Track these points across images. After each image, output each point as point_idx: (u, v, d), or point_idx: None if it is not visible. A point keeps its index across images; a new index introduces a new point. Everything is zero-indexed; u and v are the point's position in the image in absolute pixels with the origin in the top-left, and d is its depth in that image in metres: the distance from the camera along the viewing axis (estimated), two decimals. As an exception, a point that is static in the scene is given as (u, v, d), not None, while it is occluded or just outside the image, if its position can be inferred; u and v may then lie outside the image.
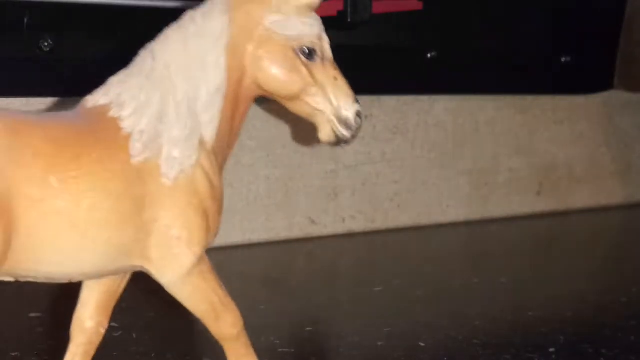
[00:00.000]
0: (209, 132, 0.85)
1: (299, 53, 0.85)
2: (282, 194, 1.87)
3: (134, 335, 1.24)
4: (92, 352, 0.90)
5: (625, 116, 2.35)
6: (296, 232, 1.89)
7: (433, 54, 1.90)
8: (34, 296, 1.36)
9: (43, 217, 0.78)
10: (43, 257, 0.80)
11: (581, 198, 2.27)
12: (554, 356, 1.16)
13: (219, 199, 0.87)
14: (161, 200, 0.82)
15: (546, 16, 2.06)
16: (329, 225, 1.93)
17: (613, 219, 2.26)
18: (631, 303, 1.44)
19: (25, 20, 1.44)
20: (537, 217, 2.18)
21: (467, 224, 2.09)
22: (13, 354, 1.15)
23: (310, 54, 0.86)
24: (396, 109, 2.01)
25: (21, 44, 1.45)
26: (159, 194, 0.82)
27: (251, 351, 0.90)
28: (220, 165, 0.88)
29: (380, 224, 1.99)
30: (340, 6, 1.61)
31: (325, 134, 0.88)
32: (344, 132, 0.87)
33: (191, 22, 0.85)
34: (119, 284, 0.89)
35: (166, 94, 0.83)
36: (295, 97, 0.87)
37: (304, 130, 1.89)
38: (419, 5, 1.76)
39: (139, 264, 0.84)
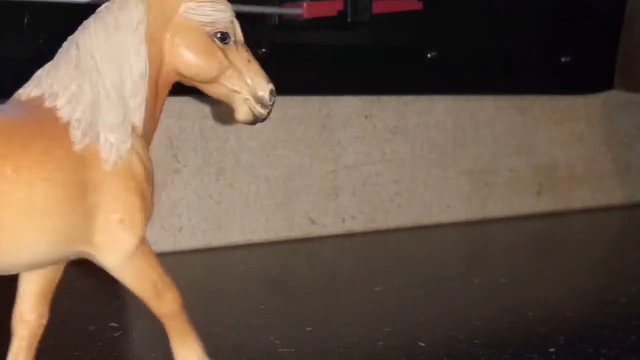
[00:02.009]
0: (138, 117, 0.88)
1: (214, 38, 0.89)
2: (282, 194, 1.88)
3: (134, 335, 1.24)
4: (36, 344, 0.91)
5: (625, 116, 2.35)
6: (296, 232, 1.89)
7: (433, 54, 1.90)
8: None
9: (4, 208, 0.80)
10: (1, 248, 0.81)
11: (581, 198, 2.27)
12: (554, 356, 1.16)
13: (152, 181, 0.89)
14: (102, 185, 0.84)
15: (546, 16, 2.06)
16: (329, 225, 1.93)
17: (613, 219, 2.26)
18: (631, 303, 1.44)
19: (25, 20, 1.44)
20: (537, 217, 2.18)
21: (467, 224, 2.09)
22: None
23: (224, 38, 0.89)
24: (396, 109, 2.01)
25: (21, 44, 1.45)
26: (100, 180, 0.84)
27: (190, 327, 0.92)
28: (147, 149, 0.90)
29: (380, 224, 1.99)
30: (340, 6, 1.61)
31: (242, 113, 0.92)
32: (261, 110, 0.91)
33: (108, 13, 0.88)
34: (56, 273, 0.91)
35: (95, 82, 0.86)
36: (212, 80, 0.90)
37: (304, 131, 1.89)
38: (419, 5, 1.76)
39: (83, 249, 0.85)
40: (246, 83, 0.90)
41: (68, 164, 0.83)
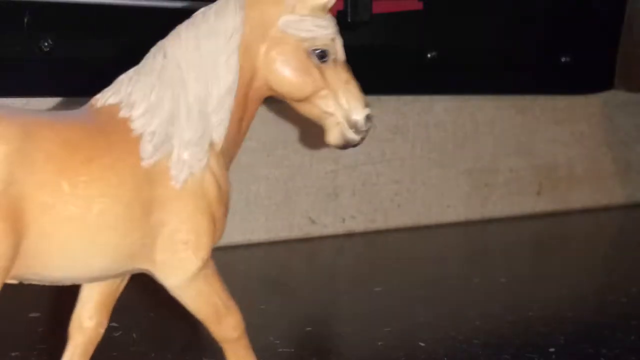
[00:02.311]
0: (219, 134, 0.84)
1: (312, 55, 0.85)
2: (282, 194, 1.87)
3: (134, 335, 1.24)
4: (91, 352, 0.90)
5: (625, 116, 2.35)
6: (296, 232, 1.89)
7: (433, 54, 1.90)
8: (34, 296, 1.36)
9: (54, 222, 0.77)
10: (52, 262, 0.79)
11: (581, 198, 2.27)
12: (554, 356, 1.16)
13: (225, 202, 0.86)
14: (169, 203, 0.81)
15: (546, 16, 2.06)
16: (329, 225, 1.93)
17: (613, 219, 2.26)
18: (631, 303, 1.44)
19: (25, 20, 1.44)
20: (537, 217, 2.18)
21: (467, 224, 2.09)
22: (13, 354, 1.15)
23: (322, 56, 0.85)
24: (396, 109, 2.01)
25: (21, 44, 1.45)
26: (167, 197, 0.81)
27: (251, 353, 0.90)
28: (227, 167, 0.87)
29: (380, 224, 1.99)
30: (340, 6, 1.61)
31: (333, 136, 0.87)
32: (353, 136, 0.87)
33: (204, 20, 0.84)
34: (119, 283, 0.89)
35: (177, 94, 0.82)
36: (305, 99, 0.86)
37: (304, 131, 1.89)
38: (419, 5, 1.76)
39: (144, 267, 0.83)
40: (341, 106, 0.86)
41: (133, 180, 0.79)
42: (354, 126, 0.86)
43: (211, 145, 0.83)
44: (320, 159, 1.91)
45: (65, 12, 1.47)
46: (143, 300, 1.30)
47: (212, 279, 0.86)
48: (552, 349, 1.18)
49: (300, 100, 0.86)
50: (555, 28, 2.07)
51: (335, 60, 0.86)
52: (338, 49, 0.87)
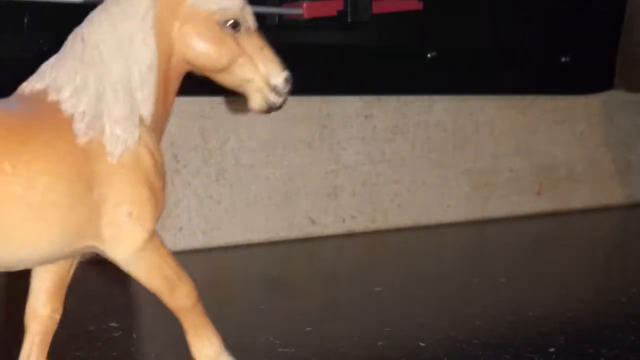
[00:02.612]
0: (146, 109, 0.86)
1: (224, 26, 0.87)
2: (282, 194, 1.88)
3: (134, 335, 1.24)
4: (49, 339, 0.91)
5: (625, 116, 2.35)
6: (296, 232, 1.89)
7: (433, 54, 1.90)
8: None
9: (0, 203, 0.79)
10: (2, 245, 0.80)
11: (581, 198, 2.27)
12: (554, 356, 1.15)
13: (162, 174, 0.88)
14: (109, 178, 0.83)
15: (546, 16, 2.06)
16: (329, 225, 1.93)
17: (613, 219, 2.26)
18: (631, 303, 1.44)
19: (25, 20, 1.44)
20: (537, 217, 2.18)
21: (467, 224, 2.09)
22: (14, 353, 1.15)
23: (235, 25, 0.88)
24: (396, 109, 2.01)
25: (21, 44, 1.45)
26: (106, 173, 0.83)
27: (207, 320, 0.91)
28: (158, 141, 0.89)
29: (380, 224, 1.99)
30: (340, 6, 1.61)
31: (256, 102, 0.90)
32: (275, 99, 0.89)
33: (114, 4, 0.87)
34: (68, 268, 0.90)
35: (101, 74, 0.85)
36: (224, 69, 0.88)
37: (304, 131, 1.89)
38: (419, 5, 1.76)
39: (92, 244, 0.84)
40: (259, 71, 0.88)
41: (71, 157, 0.81)
42: (274, 89, 0.89)
43: (141, 120, 0.86)
44: (320, 159, 1.91)
45: (66, 12, 1.47)
46: (143, 300, 1.30)
47: (160, 249, 0.87)
48: (552, 349, 1.18)
49: (219, 71, 0.89)
50: (555, 28, 2.07)
51: (248, 29, 0.89)
52: (249, 18, 0.89)
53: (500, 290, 1.54)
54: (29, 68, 1.47)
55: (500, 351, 1.17)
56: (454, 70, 1.94)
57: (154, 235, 0.86)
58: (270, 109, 0.90)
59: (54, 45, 1.41)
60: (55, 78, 0.85)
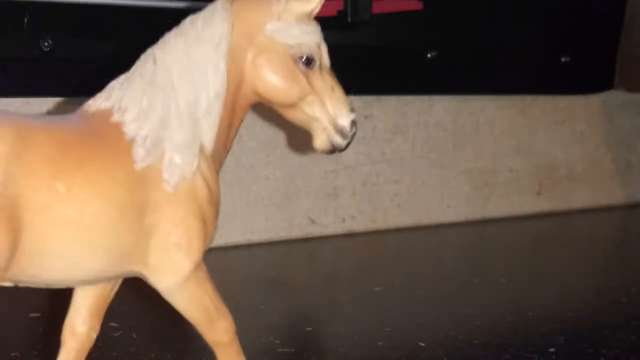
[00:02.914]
0: (208, 138, 0.85)
1: (298, 61, 0.86)
2: (282, 194, 1.88)
3: (134, 336, 1.24)
4: (84, 357, 0.90)
5: (625, 116, 2.35)
6: (296, 232, 1.89)
7: (433, 54, 1.90)
8: (34, 296, 1.36)
9: (50, 223, 0.78)
10: (47, 264, 0.79)
11: (581, 198, 2.27)
12: (554, 356, 1.16)
13: (216, 205, 0.86)
14: (162, 206, 0.82)
15: (546, 16, 2.06)
16: (329, 225, 1.93)
17: (613, 219, 2.26)
18: (631, 303, 1.44)
19: (25, 20, 1.44)
20: (537, 217, 2.18)
21: (467, 224, 2.09)
22: (13, 354, 1.15)
23: (309, 62, 0.86)
24: (396, 109, 2.01)
25: (21, 44, 1.45)
26: (160, 200, 0.82)
27: (242, 357, 0.90)
28: (217, 171, 0.88)
29: (380, 224, 1.99)
30: (340, 6, 1.61)
31: (320, 141, 0.89)
32: (340, 141, 0.88)
33: (192, 27, 0.85)
34: (112, 288, 0.89)
35: (168, 99, 0.83)
36: (292, 105, 0.87)
37: (304, 131, 1.89)
38: (419, 5, 1.76)
39: (137, 269, 0.84)
40: (327, 111, 0.87)
41: (126, 182, 0.80)
42: (340, 131, 0.88)
43: (201, 149, 0.85)
44: (320, 159, 1.91)
45: (65, 12, 1.47)
46: (143, 300, 1.30)
47: (204, 282, 0.86)
48: (552, 349, 1.18)
49: (287, 106, 0.87)
50: (555, 28, 2.07)
51: (320, 67, 0.88)
52: (323, 55, 0.88)
53: (500, 290, 1.54)
54: (29, 68, 1.47)
55: (500, 351, 1.17)
56: (454, 70, 1.94)
57: (199, 267, 0.85)
58: (333, 150, 0.89)
59: (55, 45, 1.41)
60: (122, 98, 0.84)
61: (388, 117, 1.99)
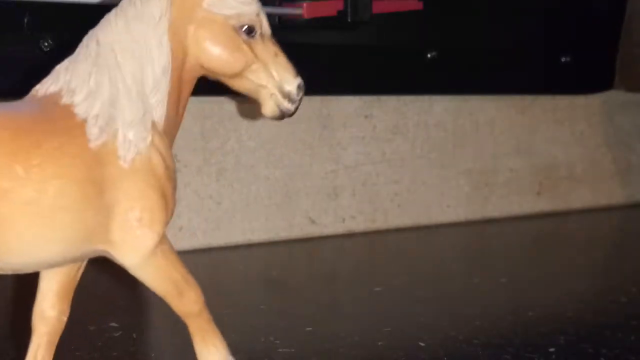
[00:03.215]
0: (159, 114, 0.86)
1: (239, 31, 0.87)
2: (282, 194, 1.88)
3: (134, 335, 1.24)
4: (56, 341, 0.91)
5: (625, 116, 2.35)
6: (296, 232, 1.89)
7: (433, 54, 1.90)
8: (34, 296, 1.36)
9: (12, 206, 0.78)
10: (12, 248, 0.80)
11: (581, 198, 2.27)
12: (554, 356, 1.16)
13: (173, 178, 0.88)
14: (120, 182, 0.83)
15: (546, 16, 2.06)
16: (329, 225, 1.93)
17: (613, 219, 2.26)
18: (631, 303, 1.44)
19: (25, 20, 1.44)
20: (537, 217, 2.18)
21: (467, 224, 2.09)
22: (14, 354, 1.15)
23: (249, 31, 0.88)
24: (396, 109, 2.01)
25: (21, 44, 1.45)
26: (118, 177, 0.83)
27: (213, 326, 0.91)
28: (170, 146, 0.89)
29: (380, 224, 1.99)
30: (340, 6, 1.61)
31: (269, 108, 0.90)
32: (288, 106, 0.90)
33: (130, 6, 0.86)
34: (77, 270, 0.90)
35: (114, 78, 0.84)
36: (238, 75, 0.88)
37: (304, 131, 1.89)
38: (419, 5, 1.76)
39: (101, 247, 0.84)
40: (272, 77, 0.88)
41: (83, 161, 0.81)
42: (287, 96, 0.89)
43: (153, 124, 0.85)
44: (320, 159, 1.91)
45: (65, 12, 1.47)
46: (143, 300, 1.30)
47: (169, 254, 0.87)
48: (552, 349, 1.18)
49: (232, 76, 0.89)
50: (555, 28, 2.08)
51: (262, 35, 0.89)
52: (264, 24, 0.89)
53: (500, 290, 1.54)
54: (29, 68, 1.47)
55: (500, 351, 1.17)
56: (454, 70, 1.94)
57: (163, 240, 0.86)
58: (282, 115, 0.90)
59: (55, 45, 1.41)
60: (69, 81, 0.85)
61: (388, 117, 1.99)
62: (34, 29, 1.44)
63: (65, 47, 1.45)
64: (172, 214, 0.87)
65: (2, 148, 0.79)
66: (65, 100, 0.84)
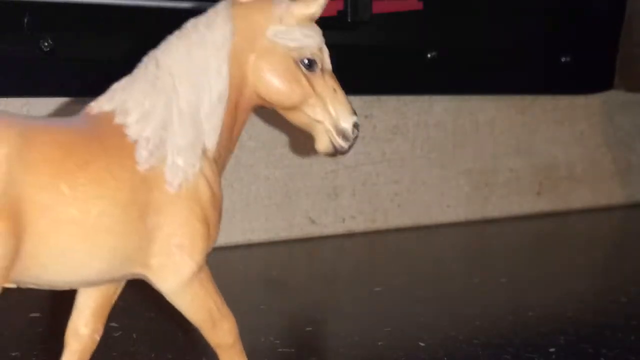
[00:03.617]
0: (211, 141, 0.85)
1: (300, 64, 0.86)
2: (282, 194, 1.88)
3: (134, 335, 1.24)
4: (87, 359, 0.90)
5: (625, 116, 2.35)
6: (296, 232, 1.89)
7: (433, 54, 1.90)
8: (34, 296, 1.36)
9: (53, 224, 0.78)
10: (50, 265, 0.79)
11: (581, 198, 2.27)
12: (554, 356, 1.16)
13: (219, 207, 0.87)
14: (164, 208, 0.82)
15: (546, 16, 2.06)
16: (329, 225, 1.93)
17: (613, 219, 2.26)
18: (631, 303, 1.44)
19: (25, 20, 1.44)
20: (537, 217, 2.18)
21: (467, 224, 2.09)
22: (13, 354, 1.15)
23: (310, 65, 0.87)
24: (396, 109, 2.01)
25: (21, 44, 1.45)
26: (163, 202, 0.82)
27: (245, 359, 0.90)
28: (219, 173, 0.88)
29: (380, 224, 1.99)
30: (340, 6, 1.61)
31: (322, 144, 0.89)
32: (342, 143, 0.88)
33: (194, 31, 0.86)
34: (115, 290, 0.89)
35: (170, 101, 0.84)
36: (295, 108, 0.87)
37: (305, 132, 1.89)
38: (419, 5, 1.76)
39: (140, 271, 0.84)
40: (329, 113, 0.87)
41: (130, 183, 0.80)
42: (342, 133, 0.88)
43: (204, 151, 0.85)
44: (320, 159, 1.91)
45: (65, 12, 1.47)
46: (143, 300, 1.30)
47: (207, 283, 0.86)
48: (552, 349, 1.18)
49: (289, 109, 0.88)
50: (555, 28, 2.07)
51: (322, 69, 0.88)
52: (325, 58, 0.89)
53: (500, 290, 1.54)
54: (29, 68, 1.47)
55: (500, 351, 1.17)
56: (454, 70, 1.94)
57: (202, 268, 0.85)
58: (336, 152, 0.89)
59: (55, 45, 1.41)
60: (125, 101, 0.84)
61: (388, 117, 1.99)
62: (34, 29, 1.44)
63: (66, 47, 1.46)
64: (214, 243, 0.87)
65: (49, 165, 0.78)
66: (118, 120, 0.83)
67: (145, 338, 1.24)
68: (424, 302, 1.44)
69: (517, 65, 2.04)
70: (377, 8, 1.67)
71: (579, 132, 2.28)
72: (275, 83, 0.86)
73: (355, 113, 0.88)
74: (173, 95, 0.84)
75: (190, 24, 0.86)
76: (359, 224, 1.97)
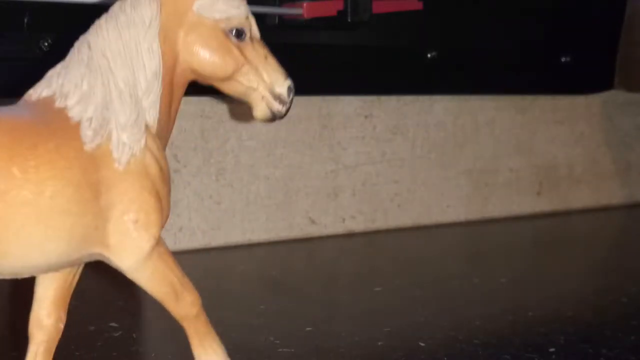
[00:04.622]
0: (152, 117, 0.87)
1: (229, 34, 0.88)
2: (282, 194, 1.88)
3: (134, 335, 1.24)
4: (53, 348, 0.90)
5: (625, 116, 2.35)
6: (296, 232, 1.89)
7: (433, 54, 1.90)
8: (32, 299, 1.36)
9: (8, 208, 0.79)
10: (9, 250, 0.80)
11: (581, 198, 2.27)
12: (554, 356, 1.16)
13: (168, 181, 0.88)
14: (115, 185, 0.83)
15: (546, 16, 2.06)
16: (329, 225, 1.93)
17: (613, 219, 2.26)
18: (631, 303, 1.44)
19: (25, 20, 1.44)
20: (537, 217, 2.18)
21: (467, 224, 2.09)
22: (13, 354, 1.15)
23: (239, 34, 0.88)
24: (396, 109, 2.01)
25: (21, 44, 1.45)
26: (113, 179, 0.83)
27: (211, 329, 0.91)
28: (163, 149, 0.89)
29: (380, 224, 1.99)
30: (340, 6, 1.61)
31: (260, 110, 0.90)
32: (279, 107, 0.90)
33: (121, 12, 0.87)
34: (73, 277, 0.90)
35: (107, 81, 0.85)
36: (228, 78, 0.89)
37: (304, 131, 1.89)
38: (419, 5, 1.76)
39: (98, 251, 0.84)
40: (263, 79, 0.89)
41: (79, 163, 0.81)
42: (278, 97, 0.90)
43: (146, 127, 0.86)
44: (320, 159, 1.91)
45: (65, 12, 1.47)
46: (143, 300, 1.30)
47: (166, 256, 0.87)
48: (552, 349, 1.18)
49: (223, 80, 0.89)
50: (555, 28, 2.08)
51: (252, 38, 0.89)
52: (253, 27, 0.90)
53: (500, 290, 1.54)
54: (29, 68, 1.47)
55: (500, 351, 1.17)
56: (454, 70, 1.94)
57: (159, 242, 0.86)
58: (274, 117, 0.91)
59: (55, 45, 1.41)
60: (62, 85, 0.85)
61: (388, 117, 1.99)
62: (34, 29, 1.44)
63: (66, 47, 1.45)
64: (167, 217, 0.88)
65: (1, 152, 0.79)
66: (58, 103, 0.84)
67: (145, 338, 1.24)
68: (424, 302, 1.44)
69: (517, 65, 2.04)
70: (377, 8, 1.67)
71: (579, 132, 2.28)
72: (207, 56, 0.87)
73: (288, 76, 0.90)
74: (109, 76, 0.85)
75: (117, 6, 0.88)
76: (359, 224, 1.97)
